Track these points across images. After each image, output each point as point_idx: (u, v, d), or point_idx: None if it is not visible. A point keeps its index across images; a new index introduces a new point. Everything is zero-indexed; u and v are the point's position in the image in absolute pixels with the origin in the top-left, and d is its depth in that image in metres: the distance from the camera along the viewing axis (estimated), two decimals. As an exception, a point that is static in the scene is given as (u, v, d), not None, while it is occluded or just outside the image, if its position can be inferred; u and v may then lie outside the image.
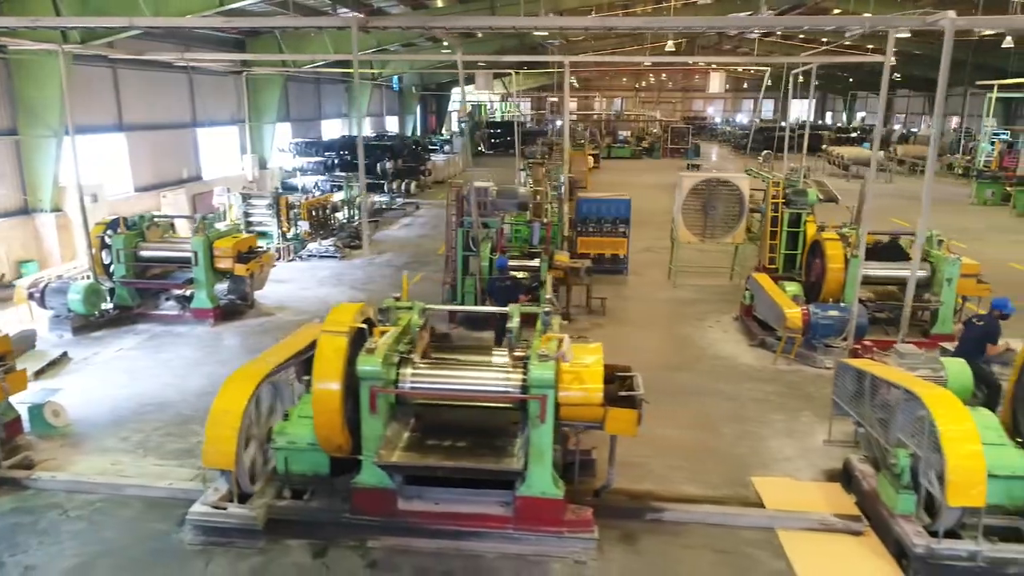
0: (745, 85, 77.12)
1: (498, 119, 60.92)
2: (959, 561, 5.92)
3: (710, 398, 9.79)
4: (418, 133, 48.22)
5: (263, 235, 18.33)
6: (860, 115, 74.95)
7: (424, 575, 6.07)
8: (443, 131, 52.94)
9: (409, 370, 6.44)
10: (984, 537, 6.05)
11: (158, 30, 15.18)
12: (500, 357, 6.71)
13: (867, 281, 11.91)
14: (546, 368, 5.93)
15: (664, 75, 72.41)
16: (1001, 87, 28.34)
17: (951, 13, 7.35)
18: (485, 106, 64.96)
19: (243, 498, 6.48)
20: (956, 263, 11.21)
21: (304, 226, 18.96)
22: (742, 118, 73.35)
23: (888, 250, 12.32)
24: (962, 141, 40.72)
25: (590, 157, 41.87)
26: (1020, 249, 19.85)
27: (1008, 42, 25.98)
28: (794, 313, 10.81)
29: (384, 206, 24.80)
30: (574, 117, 65.77)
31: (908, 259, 12.22)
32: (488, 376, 6.44)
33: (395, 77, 42.56)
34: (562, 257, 12.33)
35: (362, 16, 8.59)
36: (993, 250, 19.74)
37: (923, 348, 9.22)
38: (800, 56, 25.28)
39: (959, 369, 7.64)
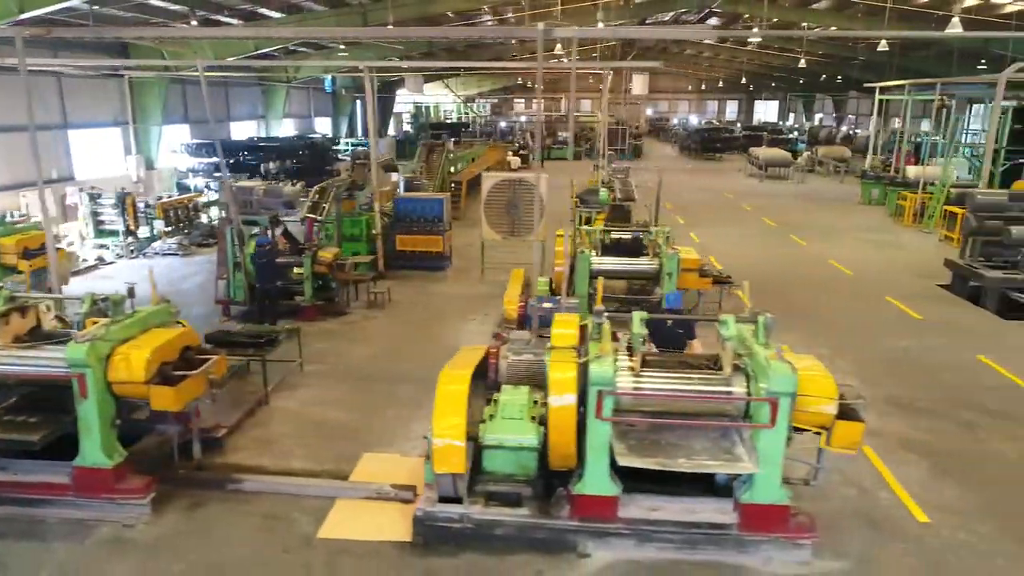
0: (703, 86, 77.80)
1: (455, 120, 61.66)
2: (451, 523, 6.57)
3: (407, 385, 10.35)
4: (359, 134, 48.96)
5: (112, 233, 19.12)
6: (818, 116, 75.79)
7: (-22, 538, 6.71)
8: (389, 132, 53.67)
9: (-14, 353, 7.08)
10: (487, 502, 6.71)
11: None
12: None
13: (599, 274, 12.57)
14: (79, 348, 6.57)
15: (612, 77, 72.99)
16: (882, 89, 28.98)
17: (574, 28, 7.98)
18: (437, 107, 65.84)
19: None
20: (674, 258, 11.84)
21: (159, 225, 19.68)
22: (695, 120, 74.08)
23: (628, 245, 12.96)
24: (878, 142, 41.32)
25: (517, 158, 42.52)
26: (857, 247, 20.42)
27: (883, 45, 26.61)
28: (510, 306, 11.44)
29: (269, 206, 25.44)
30: (524, 118, 66.65)
31: (646, 254, 12.91)
32: (54, 357, 7.05)
33: (327, 79, 43.16)
34: (325, 254, 12.97)
35: (30, 29, 9.20)
36: (829, 247, 20.35)
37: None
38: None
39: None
